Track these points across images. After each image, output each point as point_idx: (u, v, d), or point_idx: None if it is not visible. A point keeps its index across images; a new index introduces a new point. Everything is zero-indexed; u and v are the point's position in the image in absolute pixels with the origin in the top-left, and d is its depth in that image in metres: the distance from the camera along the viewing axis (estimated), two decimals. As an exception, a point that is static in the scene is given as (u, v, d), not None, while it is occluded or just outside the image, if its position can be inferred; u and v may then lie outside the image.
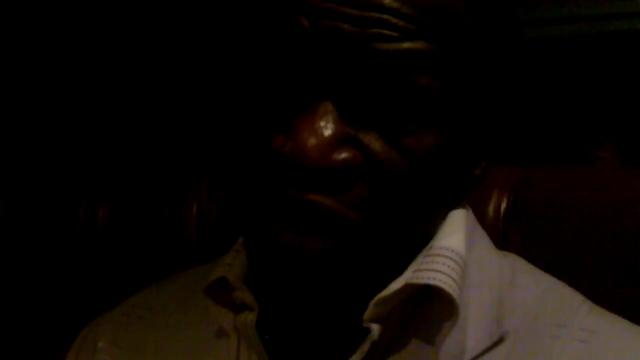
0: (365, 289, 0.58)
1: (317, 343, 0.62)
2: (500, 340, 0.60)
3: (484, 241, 0.66)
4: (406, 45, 0.52)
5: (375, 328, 0.58)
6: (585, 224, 0.81)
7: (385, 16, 0.52)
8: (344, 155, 0.52)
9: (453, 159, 0.57)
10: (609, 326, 0.62)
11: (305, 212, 0.53)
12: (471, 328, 0.60)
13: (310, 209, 0.52)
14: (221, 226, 1.00)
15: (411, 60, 0.52)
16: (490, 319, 0.61)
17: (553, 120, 1.07)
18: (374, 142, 0.53)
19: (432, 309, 0.60)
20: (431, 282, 0.58)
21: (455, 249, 0.60)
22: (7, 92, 1.36)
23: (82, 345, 0.76)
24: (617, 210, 0.80)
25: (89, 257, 1.06)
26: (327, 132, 0.51)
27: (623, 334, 0.62)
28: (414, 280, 0.58)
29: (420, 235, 0.61)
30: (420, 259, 0.60)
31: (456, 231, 0.62)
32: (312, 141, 0.51)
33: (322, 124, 0.52)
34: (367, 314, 0.58)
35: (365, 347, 0.58)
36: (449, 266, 0.59)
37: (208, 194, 1.02)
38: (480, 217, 0.83)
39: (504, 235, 0.83)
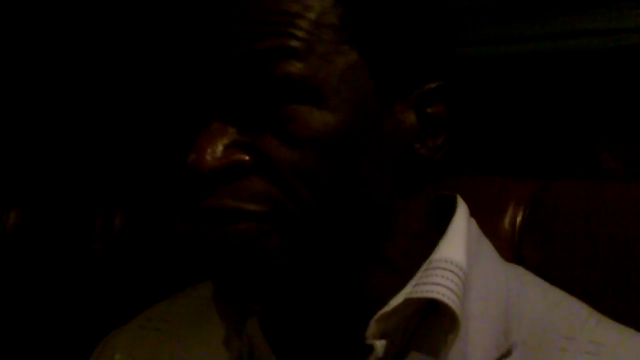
0: (331, 282, 0.59)
1: (323, 358, 0.63)
2: (508, 353, 0.60)
3: (489, 253, 0.66)
4: (256, 46, 0.56)
5: (379, 345, 0.59)
6: (600, 238, 0.80)
7: (234, 26, 0.57)
8: (232, 158, 0.57)
9: (370, 139, 0.58)
10: (617, 338, 0.62)
11: (213, 214, 0.58)
12: (477, 340, 0.60)
13: (217, 210, 0.57)
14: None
15: (272, 55, 0.56)
16: (498, 331, 0.61)
17: (565, 133, 1.07)
18: (266, 141, 0.57)
19: (435, 322, 0.60)
20: (430, 295, 0.58)
21: (455, 261, 0.61)
22: (25, 107, 1.37)
23: (99, 357, 0.76)
24: (633, 223, 0.79)
25: (104, 267, 1.07)
26: (216, 144, 0.57)
27: (632, 346, 0.61)
28: (413, 295, 0.59)
29: (409, 245, 0.61)
30: (420, 272, 0.61)
31: (457, 243, 0.62)
32: (202, 153, 0.57)
33: (211, 139, 0.58)
34: (370, 331, 0.59)
35: None
36: (448, 278, 0.59)
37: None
38: (496, 230, 0.83)
39: (520, 248, 0.83)
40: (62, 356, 1.05)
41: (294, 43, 0.56)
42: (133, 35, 1.31)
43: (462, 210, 0.65)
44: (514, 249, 0.83)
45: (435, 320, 0.60)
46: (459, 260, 0.61)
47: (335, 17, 0.57)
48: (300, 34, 0.56)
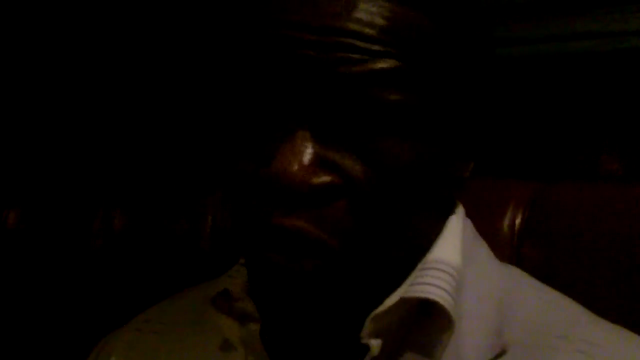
0: (360, 304, 0.59)
1: (319, 357, 0.63)
2: (501, 353, 0.60)
3: (484, 253, 0.66)
4: (370, 65, 0.53)
5: (374, 344, 0.59)
6: (599, 240, 0.80)
7: (348, 40, 0.53)
8: (323, 178, 0.54)
9: (433, 169, 0.58)
10: (609, 337, 0.62)
11: (290, 239, 0.55)
12: (471, 340, 0.60)
13: (295, 235, 0.54)
14: (235, 239, 1.00)
15: (377, 79, 0.54)
16: (491, 331, 0.61)
17: (564, 135, 1.07)
18: (352, 164, 0.55)
19: (429, 322, 0.60)
20: (424, 295, 0.59)
21: (449, 262, 0.61)
22: (25, 105, 1.37)
23: (95, 360, 0.76)
24: (632, 226, 0.80)
25: (104, 267, 1.07)
26: (306, 157, 0.54)
27: (624, 345, 0.61)
28: (408, 295, 0.59)
29: (410, 246, 0.61)
30: (415, 273, 0.61)
31: (451, 243, 0.62)
32: (292, 166, 0.53)
33: (301, 149, 0.54)
34: (365, 330, 0.59)
35: None
36: (442, 279, 0.60)
37: (222, 208, 1.03)
38: (495, 232, 0.83)
39: (519, 250, 0.83)
40: (61, 356, 1.05)
41: (404, 69, 0.54)
42: (132, 33, 1.31)
43: (458, 211, 0.65)
44: (513, 250, 0.83)
45: (429, 320, 0.60)
46: (454, 261, 0.61)
47: (439, 49, 0.56)
48: (408, 60, 0.54)
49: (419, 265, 0.61)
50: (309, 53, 0.54)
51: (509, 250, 0.82)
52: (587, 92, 1.05)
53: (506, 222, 0.85)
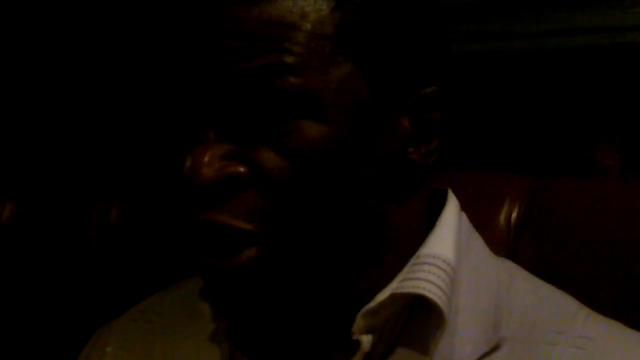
0: (329, 292, 0.60)
1: (310, 355, 0.63)
2: (496, 347, 0.61)
3: (479, 247, 0.66)
4: (257, 62, 0.55)
5: (365, 340, 0.59)
6: (596, 234, 0.80)
7: (228, 41, 0.56)
8: (230, 168, 0.57)
9: (356, 150, 0.58)
10: (606, 332, 0.62)
11: (209, 233, 0.57)
12: (466, 335, 0.60)
13: (210, 227, 0.57)
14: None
15: (268, 72, 0.56)
16: (487, 326, 0.61)
17: (561, 129, 1.07)
18: (261, 153, 0.57)
19: (423, 318, 0.60)
20: (416, 290, 0.59)
21: (442, 256, 0.61)
22: (20, 96, 1.37)
23: (90, 350, 0.77)
24: (629, 220, 0.80)
25: (101, 259, 1.07)
26: (212, 155, 0.57)
27: (620, 340, 0.62)
28: (399, 290, 0.59)
29: (393, 240, 0.61)
30: (407, 268, 0.61)
31: (445, 238, 0.62)
32: (197, 164, 0.56)
33: (207, 149, 0.57)
34: (355, 326, 0.59)
35: (356, 359, 0.59)
36: (434, 274, 0.59)
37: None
38: (492, 226, 0.83)
39: (515, 244, 0.83)
40: (57, 347, 1.06)
41: (290, 59, 0.56)
42: (128, 30, 1.31)
43: (452, 205, 0.65)
44: (510, 245, 0.83)
45: (423, 315, 0.60)
46: (447, 256, 0.61)
47: (332, 27, 0.57)
48: (296, 48, 0.56)
49: (411, 261, 0.61)
50: (204, 61, 0.57)
51: (505, 244, 0.82)
52: (585, 86, 1.05)
53: (502, 217, 0.84)
